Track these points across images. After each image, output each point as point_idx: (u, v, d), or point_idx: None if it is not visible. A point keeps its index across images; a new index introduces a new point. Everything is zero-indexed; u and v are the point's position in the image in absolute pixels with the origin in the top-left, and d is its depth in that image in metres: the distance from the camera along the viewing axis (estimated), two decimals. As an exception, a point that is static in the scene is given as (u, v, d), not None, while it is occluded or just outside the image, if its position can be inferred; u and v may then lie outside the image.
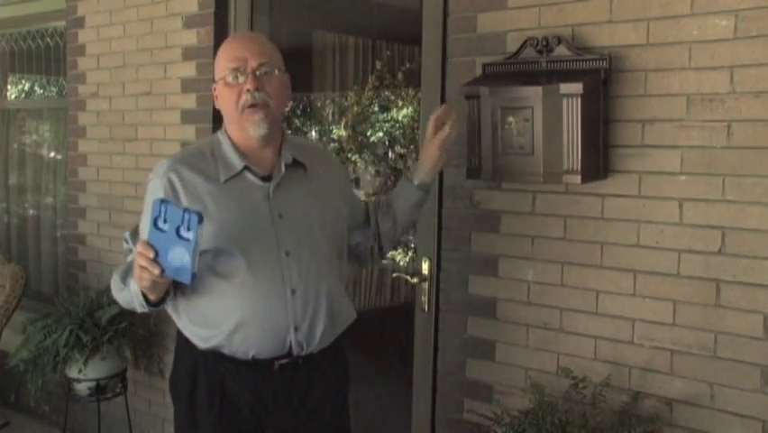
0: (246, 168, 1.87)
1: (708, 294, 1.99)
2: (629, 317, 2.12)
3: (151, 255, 1.61)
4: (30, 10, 4.27)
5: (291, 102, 2.24)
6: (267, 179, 1.89)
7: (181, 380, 1.96)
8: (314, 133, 5.05)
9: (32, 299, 3.96)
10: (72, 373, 3.26)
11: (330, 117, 5.01)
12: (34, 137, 4.67)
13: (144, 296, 1.78)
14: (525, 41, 2.20)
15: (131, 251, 1.87)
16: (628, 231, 2.11)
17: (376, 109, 5.09)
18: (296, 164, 1.93)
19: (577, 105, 1.99)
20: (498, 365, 2.38)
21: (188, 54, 3.29)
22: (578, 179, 2.03)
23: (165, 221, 1.61)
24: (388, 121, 5.11)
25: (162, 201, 1.64)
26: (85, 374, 3.23)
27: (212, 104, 3.19)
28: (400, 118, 5.07)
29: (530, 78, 2.13)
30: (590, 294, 2.19)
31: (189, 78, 3.29)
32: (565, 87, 2.00)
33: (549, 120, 2.03)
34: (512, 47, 2.26)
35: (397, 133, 5.11)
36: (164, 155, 3.38)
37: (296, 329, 1.85)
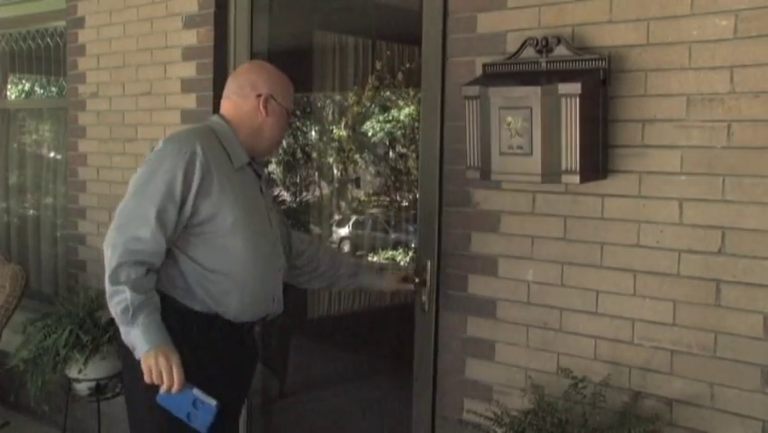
0: (249, 163, 2.19)
1: (708, 294, 1.99)
2: (629, 317, 2.12)
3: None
4: (30, 10, 4.26)
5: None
6: (258, 176, 2.25)
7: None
8: (314, 133, 5.05)
9: (32, 299, 3.95)
10: (72, 373, 3.25)
11: (330, 117, 5.01)
12: (34, 137, 4.67)
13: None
14: (525, 41, 2.20)
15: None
16: (628, 231, 2.11)
17: (376, 109, 5.08)
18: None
19: (576, 105, 1.99)
20: (498, 365, 2.38)
21: (188, 54, 3.28)
22: (577, 178, 2.03)
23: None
24: (389, 121, 5.10)
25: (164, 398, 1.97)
26: (85, 374, 3.23)
27: (211, 104, 3.19)
28: (402, 118, 5.06)
29: (530, 78, 2.12)
30: (590, 294, 2.19)
31: (189, 78, 3.28)
32: (564, 87, 2.00)
33: (548, 120, 2.03)
34: (512, 47, 2.26)
35: (398, 133, 5.10)
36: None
37: (273, 299, 2.24)
